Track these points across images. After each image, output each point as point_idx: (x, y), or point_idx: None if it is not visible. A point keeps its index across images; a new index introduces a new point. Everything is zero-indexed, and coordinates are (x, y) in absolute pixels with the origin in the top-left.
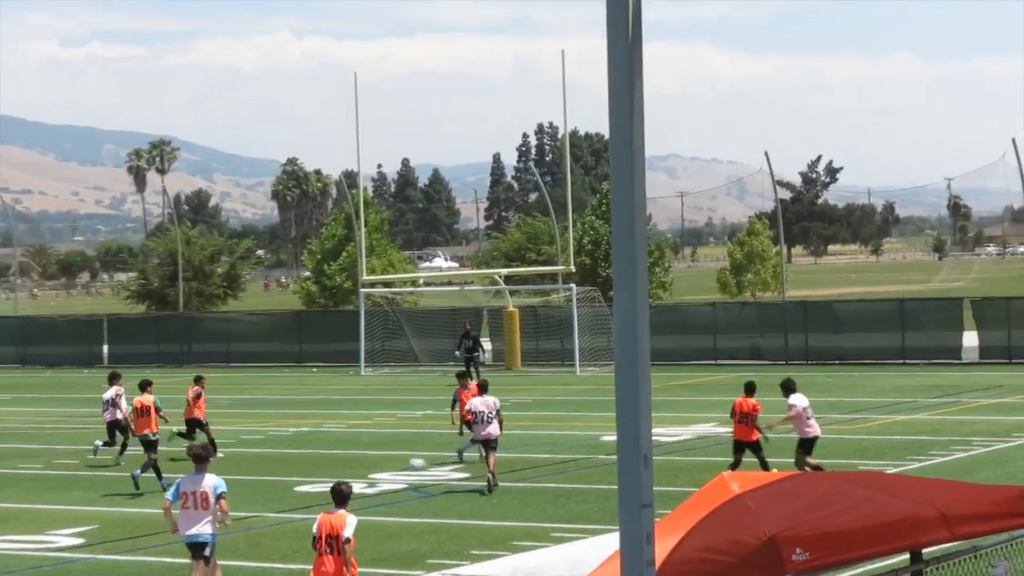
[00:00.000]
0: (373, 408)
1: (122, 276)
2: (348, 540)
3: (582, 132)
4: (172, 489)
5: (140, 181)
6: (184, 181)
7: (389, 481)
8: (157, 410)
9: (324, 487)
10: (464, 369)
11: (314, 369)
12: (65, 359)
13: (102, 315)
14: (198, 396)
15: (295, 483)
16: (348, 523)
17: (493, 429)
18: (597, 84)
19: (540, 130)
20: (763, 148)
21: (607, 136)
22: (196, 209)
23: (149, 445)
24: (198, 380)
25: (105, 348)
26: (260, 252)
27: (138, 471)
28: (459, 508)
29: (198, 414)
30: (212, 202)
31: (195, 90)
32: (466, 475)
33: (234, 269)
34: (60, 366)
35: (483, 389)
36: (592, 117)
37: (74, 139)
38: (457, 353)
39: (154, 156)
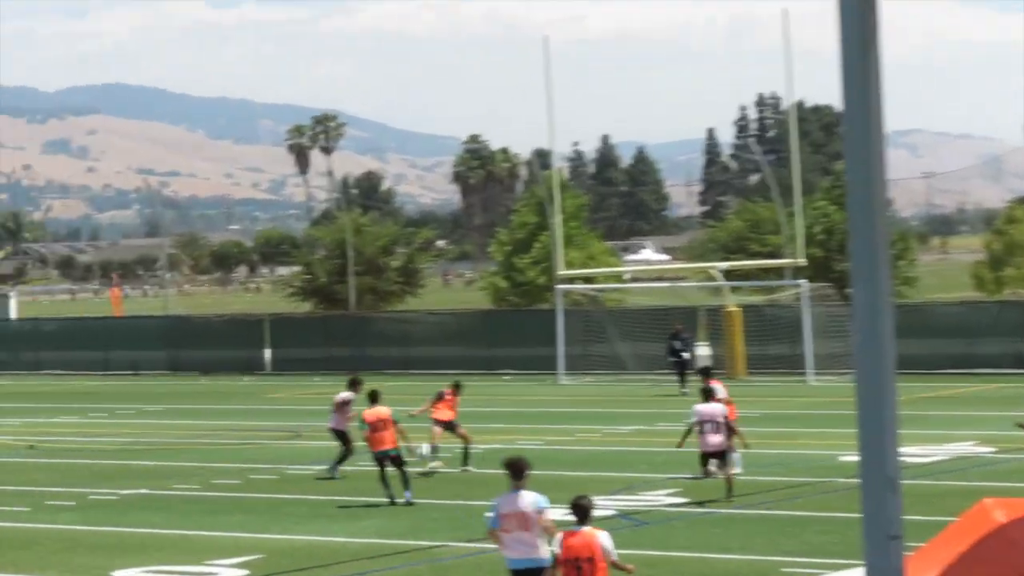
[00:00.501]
0: (574, 422)
1: (284, 270)
2: (612, 558)
3: (809, 104)
4: (491, 516)
5: (302, 161)
6: (352, 161)
7: (595, 507)
8: (395, 423)
9: None
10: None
11: (506, 377)
12: (221, 365)
13: (262, 315)
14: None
15: (486, 507)
16: (603, 539)
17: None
18: (826, 48)
19: (760, 102)
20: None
21: (839, 108)
22: (366, 193)
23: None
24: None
25: (267, 352)
26: (441, 243)
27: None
28: (677, 538)
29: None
30: (384, 185)
31: (361, 58)
32: (683, 499)
33: (411, 262)
34: (215, 373)
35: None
36: (821, 86)
37: (226, 114)
38: (668, 358)
39: (317, 133)
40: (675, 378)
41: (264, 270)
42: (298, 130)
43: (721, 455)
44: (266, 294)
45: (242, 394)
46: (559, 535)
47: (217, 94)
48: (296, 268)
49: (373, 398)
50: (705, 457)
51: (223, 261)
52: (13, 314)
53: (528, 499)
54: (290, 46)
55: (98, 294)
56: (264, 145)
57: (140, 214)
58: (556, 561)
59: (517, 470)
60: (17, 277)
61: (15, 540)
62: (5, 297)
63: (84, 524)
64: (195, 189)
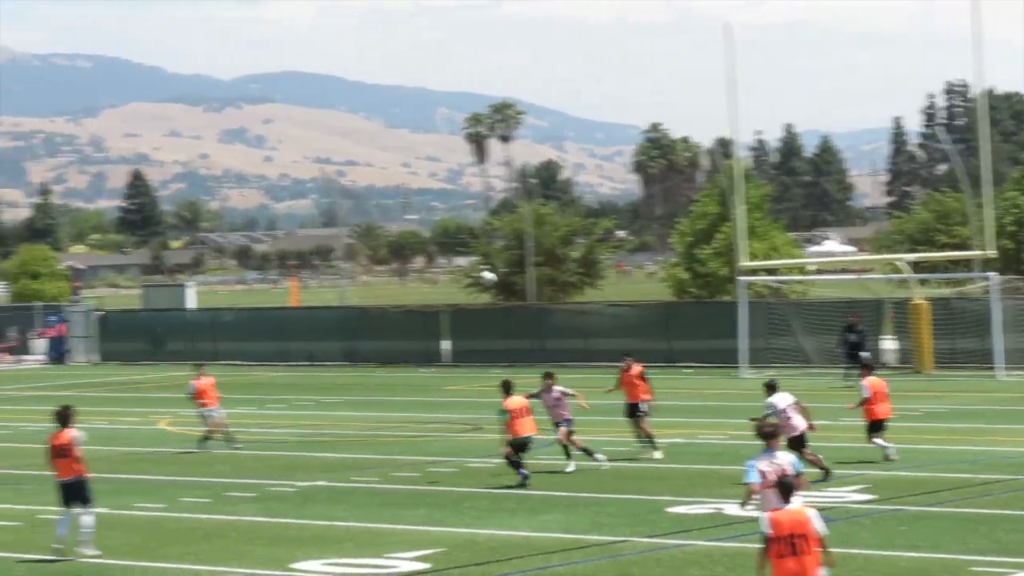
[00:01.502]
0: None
1: (462, 261)
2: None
3: (999, 91)
4: (750, 472)
5: (480, 150)
6: (530, 150)
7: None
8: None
9: (701, 509)
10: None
11: (687, 370)
12: (399, 356)
13: (441, 306)
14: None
15: (666, 503)
16: (814, 517)
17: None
18: (1016, 35)
19: (949, 89)
20: None
21: None
22: (545, 183)
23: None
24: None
25: (445, 344)
26: (621, 233)
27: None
28: (863, 536)
29: None
30: (563, 174)
31: (539, 45)
32: (869, 496)
33: (591, 253)
34: (393, 364)
35: None
36: (1011, 74)
37: (403, 102)
38: (839, 351)
39: (496, 122)
40: (849, 370)
41: (442, 260)
42: (476, 119)
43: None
44: (444, 285)
45: (420, 386)
46: (767, 514)
47: (394, 82)
48: (474, 259)
49: (507, 389)
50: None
51: (400, 251)
52: (191, 304)
53: (785, 459)
54: (467, 33)
55: (275, 284)
56: (441, 134)
57: (317, 204)
58: (766, 541)
59: (769, 433)
60: (195, 267)
61: (197, 532)
62: (182, 287)
63: (264, 516)
64: (372, 178)
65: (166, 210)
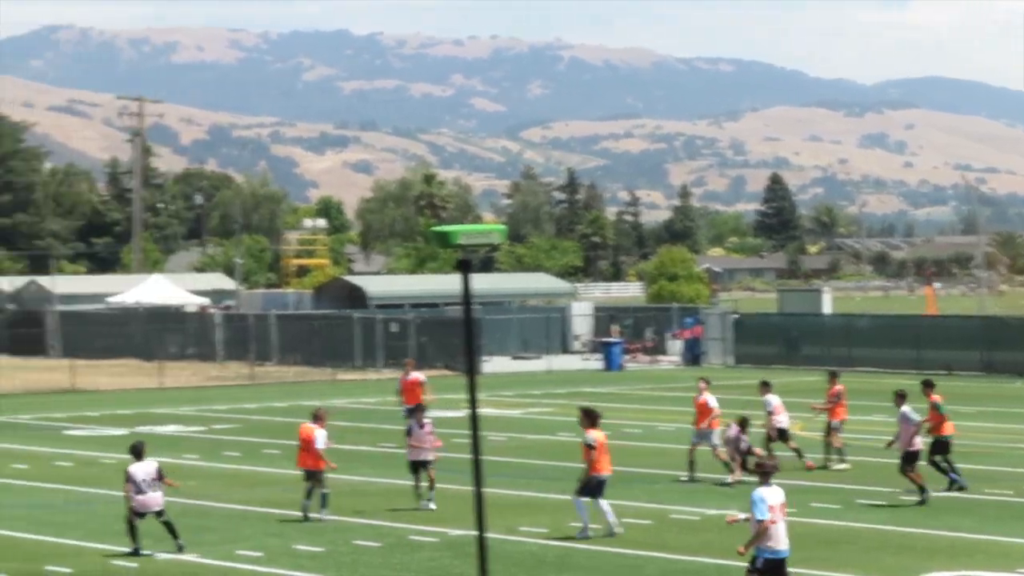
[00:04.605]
0: None
1: None
2: None
3: None
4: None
5: None
6: None
7: None
8: None
9: None
10: None
11: None
12: None
13: None
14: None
15: None
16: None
17: None
18: None
19: None
20: None
21: None
22: None
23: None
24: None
25: None
26: None
27: None
28: None
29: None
30: None
31: None
32: None
33: None
34: None
35: None
36: None
37: None
38: None
39: None
40: None
41: None
42: None
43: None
44: None
45: None
46: None
47: None
48: None
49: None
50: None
51: None
52: (827, 309)
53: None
54: None
55: (912, 291)
56: None
57: (956, 211)
58: None
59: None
60: (831, 272)
61: (824, 537)
62: (818, 291)
63: (893, 524)
64: (1013, 186)
65: (803, 214)
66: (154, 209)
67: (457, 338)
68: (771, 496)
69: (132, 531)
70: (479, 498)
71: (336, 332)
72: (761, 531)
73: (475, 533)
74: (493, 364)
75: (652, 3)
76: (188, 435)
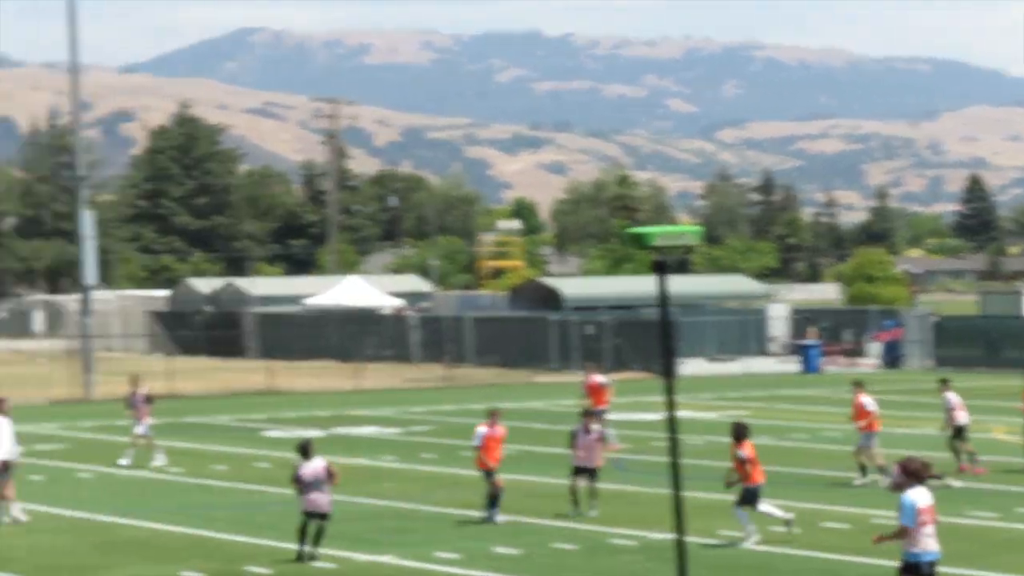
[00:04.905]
0: None
1: None
2: None
3: None
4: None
5: None
6: None
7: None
8: None
9: None
10: None
11: None
12: None
13: None
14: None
15: None
16: None
17: None
18: None
19: None
20: None
21: None
22: None
23: None
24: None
25: None
26: None
27: None
28: None
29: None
30: None
31: None
32: None
33: None
34: None
35: None
36: None
37: None
38: None
39: None
40: None
41: None
42: None
43: None
44: None
45: None
46: None
47: None
48: None
49: None
50: None
51: None
52: None
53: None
54: None
55: None
56: None
57: None
58: None
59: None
60: None
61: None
62: (1019, 294)
63: None
64: None
65: (1003, 215)
66: (349, 211)
67: (653, 340)
68: (920, 499)
69: (302, 535)
70: (677, 501)
71: (532, 334)
72: (902, 535)
73: (674, 537)
74: (689, 367)
75: (845, 2)
76: (385, 437)
